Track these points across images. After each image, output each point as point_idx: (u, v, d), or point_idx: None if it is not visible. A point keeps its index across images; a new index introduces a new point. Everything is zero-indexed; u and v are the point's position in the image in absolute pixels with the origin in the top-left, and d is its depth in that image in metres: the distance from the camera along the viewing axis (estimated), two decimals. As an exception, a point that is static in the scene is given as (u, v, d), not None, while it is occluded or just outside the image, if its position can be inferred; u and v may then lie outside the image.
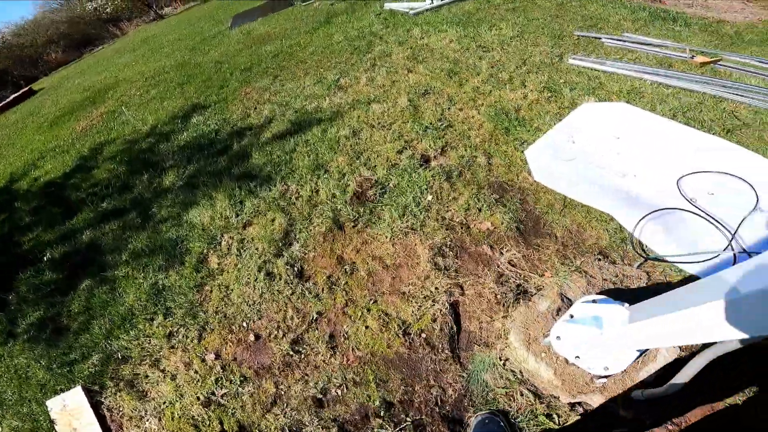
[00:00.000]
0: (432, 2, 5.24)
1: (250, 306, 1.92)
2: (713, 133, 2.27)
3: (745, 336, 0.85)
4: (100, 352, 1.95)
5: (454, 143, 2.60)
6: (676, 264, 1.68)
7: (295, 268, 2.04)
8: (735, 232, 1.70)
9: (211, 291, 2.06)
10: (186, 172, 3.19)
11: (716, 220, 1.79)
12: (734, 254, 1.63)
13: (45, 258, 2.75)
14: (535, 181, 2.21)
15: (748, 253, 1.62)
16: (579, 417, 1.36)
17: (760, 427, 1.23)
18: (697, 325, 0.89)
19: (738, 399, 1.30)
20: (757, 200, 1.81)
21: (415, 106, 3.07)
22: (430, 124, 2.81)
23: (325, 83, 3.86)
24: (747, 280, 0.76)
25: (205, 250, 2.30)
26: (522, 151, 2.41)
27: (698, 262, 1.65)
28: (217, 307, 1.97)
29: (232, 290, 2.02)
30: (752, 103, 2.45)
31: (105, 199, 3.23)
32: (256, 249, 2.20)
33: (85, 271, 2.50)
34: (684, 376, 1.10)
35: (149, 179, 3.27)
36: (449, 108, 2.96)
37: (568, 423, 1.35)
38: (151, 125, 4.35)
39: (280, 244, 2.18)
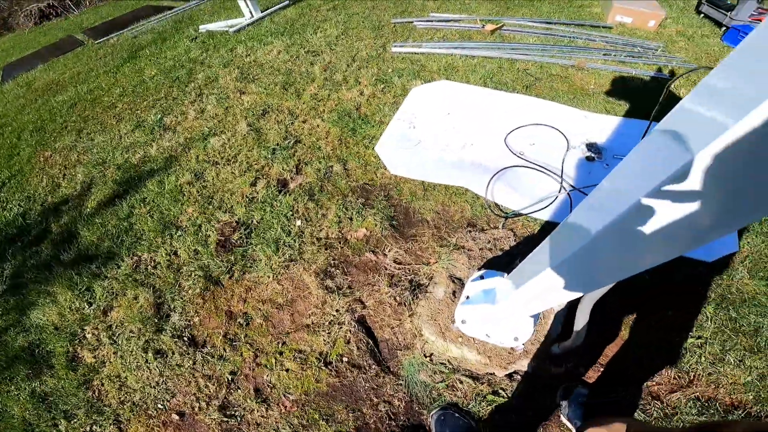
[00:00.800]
0: (252, 16, 4.93)
1: (155, 387, 1.68)
2: (517, 92, 2.64)
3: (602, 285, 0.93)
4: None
5: (307, 158, 2.48)
6: (529, 215, 1.90)
7: (185, 338, 1.79)
8: (562, 175, 1.99)
9: (103, 384, 1.77)
10: (4, 273, 2.44)
11: (544, 168, 2.07)
12: (568, 193, 1.91)
13: None
14: (393, 175, 2.25)
15: (578, 189, 1.91)
16: (519, 383, 1.43)
17: (645, 353, 1.46)
18: (553, 285, 0.94)
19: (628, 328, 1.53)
20: (568, 142, 2.16)
21: (257, 129, 2.83)
22: (277, 144, 2.62)
23: (146, 126, 3.28)
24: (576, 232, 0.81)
25: (70, 348, 1.91)
26: (372, 148, 2.42)
27: (543, 208, 1.88)
28: (120, 398, 1.70)
29: (126, 378, 1.74)
30: (536, 59, 2.93)
31: None
32: (131, 332, 1.86)
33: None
34: (578, 325, 1.20)
35: (-36, 291, 2.38)
36: (293, 123, 2.81)
37: (514, 391, 1.42)
38: (-70, 226, 3.12)
39: (156, 320, 1.87)
